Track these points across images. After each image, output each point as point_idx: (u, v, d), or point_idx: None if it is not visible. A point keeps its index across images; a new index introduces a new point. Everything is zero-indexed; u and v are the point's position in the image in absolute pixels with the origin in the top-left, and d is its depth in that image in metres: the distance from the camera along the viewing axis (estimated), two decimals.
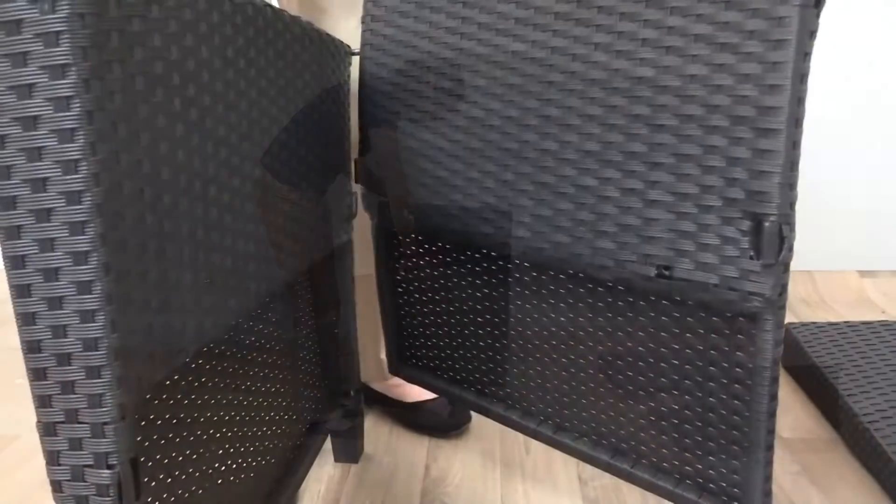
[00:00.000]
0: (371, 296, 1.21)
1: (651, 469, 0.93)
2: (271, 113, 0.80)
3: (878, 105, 1.90)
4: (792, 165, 0.70)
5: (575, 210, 0.87)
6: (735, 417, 0.83)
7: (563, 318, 0.97)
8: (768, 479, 0.83)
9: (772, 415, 0.80)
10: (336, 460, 1.21)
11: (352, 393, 1.18)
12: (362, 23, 1.05)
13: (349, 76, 1.07)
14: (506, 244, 0.95)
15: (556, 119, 0.86)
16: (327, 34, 0.98)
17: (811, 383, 1.38)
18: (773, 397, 0.79)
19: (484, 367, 1.11)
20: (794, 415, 1.34)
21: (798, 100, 0.69)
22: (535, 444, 1.24)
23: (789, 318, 1.79)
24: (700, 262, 0.77)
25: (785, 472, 1.17)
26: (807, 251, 2.01)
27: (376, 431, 1.30)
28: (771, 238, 0.71)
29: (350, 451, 1.21)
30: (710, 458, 0.87)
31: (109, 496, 0.55)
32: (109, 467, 0.55)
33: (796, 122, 0.69)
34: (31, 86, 0.49)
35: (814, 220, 1.99)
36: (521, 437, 1.27)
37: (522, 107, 0.89)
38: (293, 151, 0.86)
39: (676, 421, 0.88)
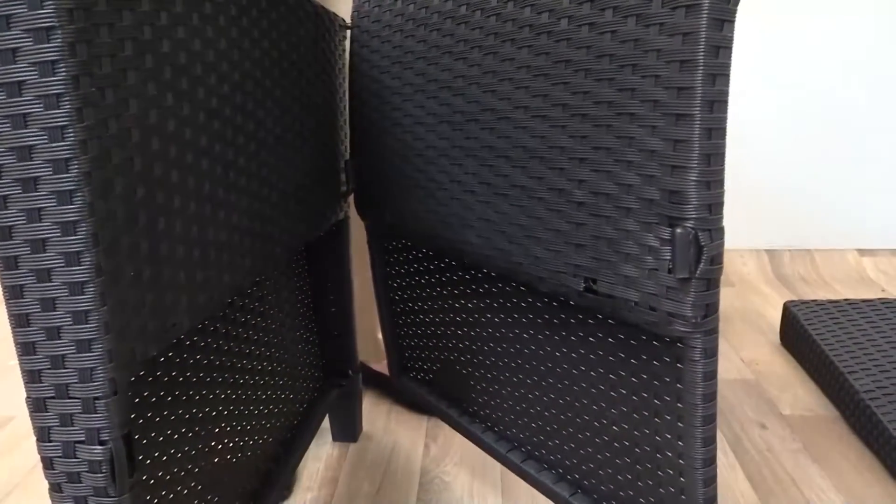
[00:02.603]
0: (369, 276, 1.19)
1: (602, 497, 0.82)
2: (265, 85, 0.78)
3: (877, 84, 1.88)
4: (709, 159, 0.58)
5: (514, 213, 0.77)
6: (681, 462, 0.69)
7: (525, 335, 0.87)
8: None
9: (708, 462, 0.66)
10: (335, 439, 1.21)
11: (350, 372, 1.17)
12: (350, 30, 1.03)
13: (343, 50, 1.05)
14: (460, 250, 0.88)
15: (499, 112, 0.78)
16: (322, 7, 0.96)
17: (811, 361, 1.38)
18: (708, 441, 0.66)
19: (464, 385, 1.03)
20: (794, 392, 1.34)
21: (712, 77, 0.56)
22: None
23: (790, 296, 1.78)
24: (621, 276, 0.66)
25: (785, 449, 1.16)
26: (806, 231, 2.01)
27: (375, 411, 1.29)
28: (684, 247, 0.59)
29: (349, 430, 1.20)
30: (659, 490, 0.73)
31: (102, 472, 0.54)
32: (101, 443, 0.53)
33: (711, 105, 0.56)
34: (14, 49, 0.48)
35: (813, 200, 1.98)
36: None
37: (473, 100, 0.81)
38: (287, 126, 0.85)
39: (629, 460, 0.76)
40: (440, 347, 1.08)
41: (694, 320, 0.61)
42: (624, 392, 0.75)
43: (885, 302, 1.50)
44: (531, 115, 0.74)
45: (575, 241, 0.70)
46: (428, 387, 1.14)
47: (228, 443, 0.83)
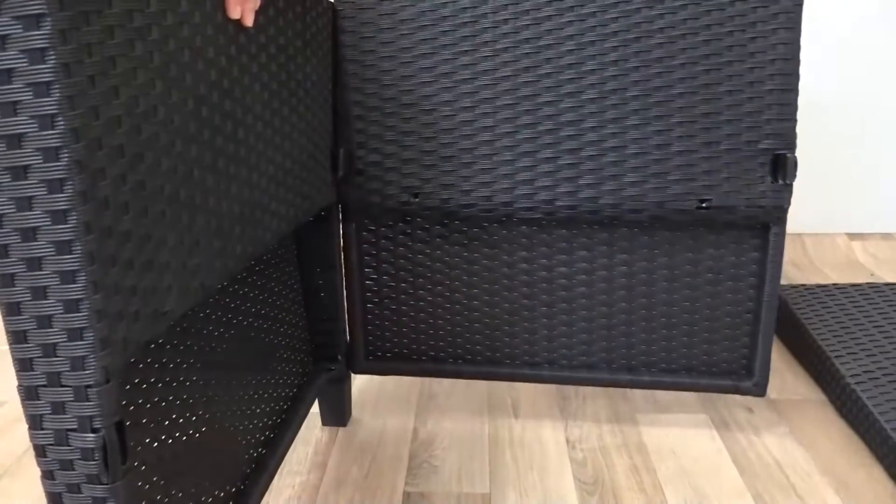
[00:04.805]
0: None
1: (666, 372, 1.15)
2: (252, 70, 0.78)
3: (867, 70, 1.89)
4: (797, 113, 1.02)
5: (621, 166, 1.04)
6: (749, 304, 1.11)
7: (580, 265, 1.13)
8: (770, 348, 1.11)
9: (777, 297, 1.09)
10: (324, 424, 1.21)
11: (339, 357, 1.17)
12: (336, 12, 1.04)
13: (330, 33, 1.04)
14: (531, 206, 1.06)
15: (615, 95, 1.02)
16: None
17: (800, 345, 1.39)
18: (779, 280, 1.09)
19: (488, 332, 1.18)
20: (782, 376, 1.35)
21: (799, 67, 1.01)
22: (524, 408, 1.25)
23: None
24: (731, 191, 1.03)
25: (772, 432, 1.18)
26: (797, 214, 2.01)
27: (364, 395, 1.30)
28: (792, 166, 1.01)
29: (338, 414, 1.20)
30: (715, 346, 1.14)
31: (95, 460, 0.54)
32: (94, 431, 0.54)
33: (798, 84, 1.01)
34: (4, 37, 0.47)
35: (804, 184, 1.99)
36: (509, 400, 1.27)
37: (581, 85, 1.02)
38: (275, 111, 0.84)
39: (686, 326, 1.13)
40: (437, 313, 1.18)
41: (786, 206, 1.03)
42: (689, 279, 1.11)
43: (874, 286, 1.51)
44: (646, 91, 1.02)
45: (687, 177, 1.03)
46: (405, 360, 1.22)
47: (219, 428, 0.84)
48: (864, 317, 1.39)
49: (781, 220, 1.05)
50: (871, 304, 1.44)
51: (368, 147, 1.06)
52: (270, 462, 0.94)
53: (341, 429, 1.21)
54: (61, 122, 0.49)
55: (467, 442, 1.17)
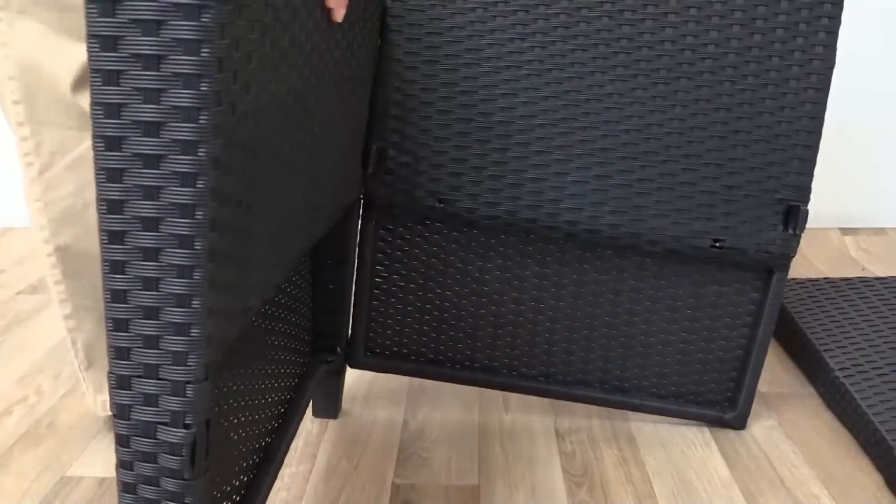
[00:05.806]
0: None
1: (656, 397, 1.19)
2: (329, 67, 0.77)
3: (859, 66, 1.92)
4: (814, 169, 1.07)
5: (649, 192, 1.07)
6: (742, 341, 1.16)
7: (590, 286, 1.16)
8: (756, 385, 1.17)
9: (770, 339, 1.15)
10: (315, 415, 1.20)
11: (338, 349, 1.17)
12: (387, 10, 1.04)
13: (378, 30, 1.04)
14: (554, 226, 1.08)
15: (649, 130, 1.05)
16: None
17: (789, 339, 1.40)
18: (775, 323, 1.15)
19: (489, 340, 1.19)
20: (771, 370, 1.35)
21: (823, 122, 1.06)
22: (514, 401, 1.26)
23: None
24: (745, 235, 1.08)
25: (760, 425, 1.20)
26: None
27: (355, 387, 1.29)
28: (803, 217, 1.07)
29: (330, 406, 1.20)
30: (705, 377, 1.18)
31: (181, 455, 0.53)
32: (185, 427, 0.53)
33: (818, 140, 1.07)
34: (159, 22, 0.46)
35: None
36: (499, 393, 1.28)
37: (619, 115, 1.05)
38: (337, 107, 0.84)
39: (680, 356, 1.17)
40: (443, 317, 1.18)
41: (792, 255, 1.09)
42: (689, 311, 1.15)
43: (864, 280, 1.52)
44: (684, 139, 1.06)
45: (706, 216, 1.07)
46: (405, 359, 1.21)
47: (241, 416, 0.83)
48: (854, 311, 1.40)
49: (785, 267, 1.10)
50: (861, 298, 1.44)
51: (402, 147, 1.06)
52: (277, 451, 0.94)
53: (332, 421, 1.20)
54: (205, 117, 0.48)
55: (457, 434, 1.18)
